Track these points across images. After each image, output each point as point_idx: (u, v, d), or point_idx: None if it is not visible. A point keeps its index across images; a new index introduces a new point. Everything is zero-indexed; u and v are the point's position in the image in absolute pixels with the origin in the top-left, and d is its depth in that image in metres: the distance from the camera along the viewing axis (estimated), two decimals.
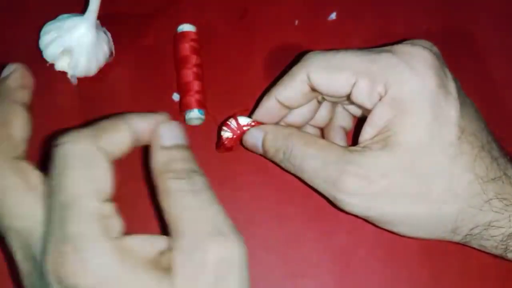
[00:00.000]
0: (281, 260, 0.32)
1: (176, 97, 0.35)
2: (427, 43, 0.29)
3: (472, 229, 0.27)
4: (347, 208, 0.28)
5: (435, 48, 0.29)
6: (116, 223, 0.22)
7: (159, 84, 0.36)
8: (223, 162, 0.34)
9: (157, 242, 0.23)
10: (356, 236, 0.32)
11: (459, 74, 0.29)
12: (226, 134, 0.32)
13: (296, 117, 0.31)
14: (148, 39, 0.37)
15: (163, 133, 0.25)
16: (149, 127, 0.25)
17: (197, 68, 0.35)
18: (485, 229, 0.27)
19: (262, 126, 0.31)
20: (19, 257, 0.23)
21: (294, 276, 0.32)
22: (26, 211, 0.23)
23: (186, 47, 0.35)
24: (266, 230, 0.32)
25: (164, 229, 0.23)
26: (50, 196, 0.22)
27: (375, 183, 0.26)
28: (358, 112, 0.33)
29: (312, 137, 0.29)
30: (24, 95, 0.27)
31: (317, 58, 0.29)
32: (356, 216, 0.29)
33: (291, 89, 0.29)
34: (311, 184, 0.29)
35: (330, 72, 0.28)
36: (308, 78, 0.28)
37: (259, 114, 0.31)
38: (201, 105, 0.34)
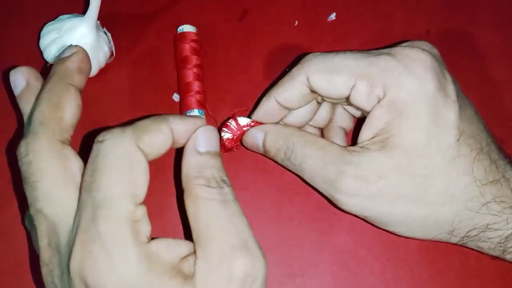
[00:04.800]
0: (281, 260, 0.32)
1: (176, 97, 0.35)
2: (427, 45, 0.29)
3: (469, 231, 0.27)
4: (345, 207, 0.28)
5: (434, 50, 0.29)
6: (146, 227, 0.22)
7: (160, 84, 0.36)
8: (223, 162, 0.34)
9: (180, 247, 0.23)
10: (356, 236, 0.32)
11: (459, 74, 0.30)
12: (226, 135, 0.32)
13: (295, 117, 0.31)
14: (149, 40, 0.37)
15: (200, 137, 0.25)
16: (188, 130, 0.25)
17: (197, 69, 0.35)
18: (482, 231, 0.27)
19: (262, 126, 0.31)
20: (43, 243, 0.23)
21: (294, 276, 0.32)
22: (59, 198, 0.23)
23: (186, 48, 0.35)
24: (266, 230, 0.32)
25: (187, 234, 0.23)
26: (84, 191, 0.22)
27: (372, 184, 0.26)
28: (357, 112, 0.33)
29: (312, 136, 0.29)
30: (81, 80, 0.27)
31: (316, 60, 0.29)
32: (355, 215, 0.29)
33: (291, 90, 0.29)
34: (311, 183, 0.29)
35: (329, 75, 0.28)
36: (308, 80, 0.28)
37: (259, 114, 0.31)
38: (201, 105, 0.34)
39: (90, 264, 0.20)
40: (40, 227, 0.23)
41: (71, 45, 0.28)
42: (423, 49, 0.27)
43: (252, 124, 0.32)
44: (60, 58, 0.27)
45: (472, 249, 0.29)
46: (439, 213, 0.26)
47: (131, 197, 0.22)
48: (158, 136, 0.24)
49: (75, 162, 0.24)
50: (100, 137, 0.23)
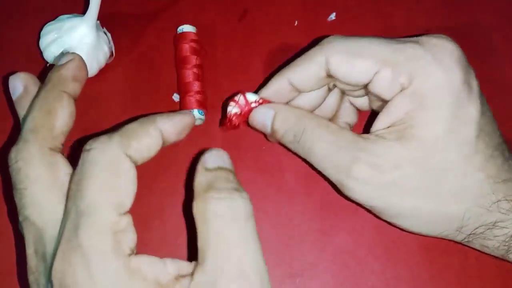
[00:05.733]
0: (281, 260, 0.32)
1: (176, 97, 0.35)
2: (449, 38, 0.28)
3: (476, 228, 0.27)
4: (354, 195, 0.27)
5: (457, 45, 0.28)
6: (130, 238, 0.22)
7: (160, 84, 0.36)
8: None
9: (170, 267, 0.22)
10: (356, 236, 0.32)
11: None
12: (234, 109, 0.30)
13: (304, 101, 0.30)
14: (148, 40, 0.37)
15: (208, 158, 0.24)
16: (176, 128, 0.25)
17: (197, 69, 0.35)
18: (489, 229, 0.26)
19: (272, 104, 0.30)
20: (30, 251, 0.23)
21: (294, 275, 0.32)
22: (47, 206, 0.22)
23: (186, 48, 0.35)
24: (266, 230, 0.32)
25: (192, 253, 0.23)
26: (69, 200, 0.22)
27: (386, 173, 0.26)
28: (365, 105, 0.32)
29: (324, 120, 0.28)
30: (75, 88, 0.26)
31: (339, 42, 0.27)
32: (359, 205, 0.28)
33: (306, 72, 0.28)
34: (319, 169, 0.28)
35: (351, 58, 0.27)
36: (327, 62, 0.27)
37: (268, 92, 0.30)
38: (201, 105, 0.34)
39: (70, 276, 0.20)
40: (27, 235, 0.23)
41: (68, 52, 0.28)
42: (450, 40, 0.27)
43: (260, 101, 0.30)
44: (56, 65, 0.27)
45: (476, 249, 0.29)
46: (449, 209, 0.26)
47: (116, 206, 0.21)
48: (146, 140, 0.23)
49: (65, 170, 0.23)
50: (87, 146, 0.23)
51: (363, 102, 0.32)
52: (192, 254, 0.23)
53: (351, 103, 0.33)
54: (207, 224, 0.22)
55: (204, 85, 0.35)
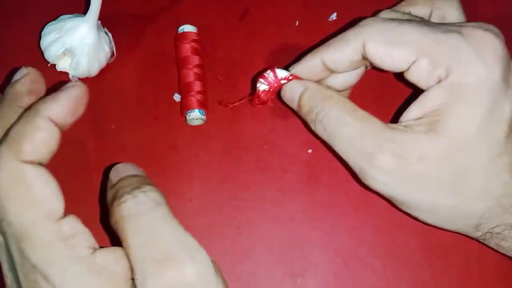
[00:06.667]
0: (282, 260, 0.32)
1: (177, 97, 0.35)
2: (496, 30, 0.26)
3: (494, 227, 0.26)
4: (374, 185, 0.27)
5: (502, 36, 0.27)
6: (83, 238, 0.21)
7: (160, 84, 0.36)
8: (224, 162, 0.34)
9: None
10: (357, 236, 0.32)
11: None
12: (262, 86, 0.30)
13: (336, 81, 0.30)
14: (149, 40, 0.37)
15: (110, 176, 0.24)
16: (68, 108, 0.23)
17: (198, 69, 0.35)
18: (507, 229, 0.26)
19: (303, 81, 0.30)
20: (4, 268, 0.22)
21: (294, 275, 0.32)
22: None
23: (187, 48, 0.35)
24: (266, 230, 0.33)
25: None
26: (0, 231, 0.21)
27: (411, 166, 0.25)
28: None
29: (352, 105, 0.27)
30: (31, 101, 0.25)
31: (377, 26, 0.27)
32: (375, 193, 0.28)
33: (342, 54, 0.28)
34: (341, 154, 0.28)
35: (390, 46, 0.26)
36: (363, 46, 0.27)
37: (299, 70, 0.30)
38: (202, 105, 0.34)
39: None
40: (0, 252, 0.22)
41: (22, 67, 0.26)
42: (495, 34, 0.26)
43: (290, 78, 0.30)
44: (11, 82, 0.26)
45: (491, 247, 0.28)
46: (470, 206, 0.26)
47: (47, 216, 0.20)
48: (38, 135, 0.21)
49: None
50: None
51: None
52: None
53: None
54: (121, 228, 0.21)
55: (205, 85, 0.35)
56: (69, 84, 0.24)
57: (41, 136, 0.21)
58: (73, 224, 0.21)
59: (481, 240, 0.28)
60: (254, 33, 0.37)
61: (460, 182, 0.26)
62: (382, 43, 0.26)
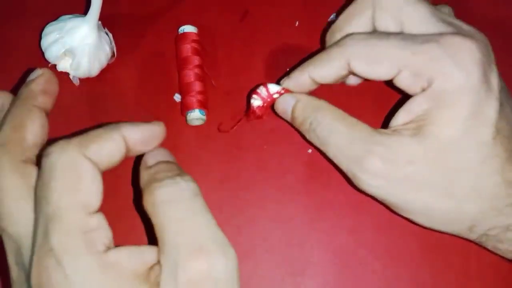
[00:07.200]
0: (282, 259, 0.32)
1: (177, 97, 0.35)
2: (477, 33, 0.27)
3: (489, 229, 0.27)
4: (366, 188, 0.28)
5: (483, 38, 0.27)
6: (103, 235, 0.22)
7: (161, 84, 0.36)
8: (224, 162, 0.34)
9: (143, 255, 0.22)
10: (357, 236, 0.32)
11: None
12: (256, 102, 0.32)
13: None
14: (150, 40, 0.37)
15: (148, 156, 0.25)
16: (144, 136, 0.25)
17: (198, 69, 0.35)
18: (502, 231, 0.26)
19: (294, 94, 0.31)
20: (11, 262, 0.23)
21: (294, 275, 0.32)
22: (20, 216, 0.22)
23: (187, 48, 0.35)
24: (266, 230, 0.33)
25: (154, 241, 0.22)
26: (36, 207, 0.22)
27: (400, 169, 0.26)
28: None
29: (342, 113, 0.29)
30: (46, 101, 0.27)
31: (358, 46, 0.28)
32: (371, 197, 0.29)
33: (327, 71, 0.29)
34: (333, 160, 0.29)
35: (372, 63, 0.28)
36: (348, 64, 0.28)
37: (290, 84, 0.31)
38: (202, 105, 0.34)
39: (46, 279, 0.20)
40: (7, 247, 0.23)
41: (37, 68, 0.28)
42: (473, 38, 0.26)
43: (282, 92, 0.31)
44: (26, 81, 0.27)
45: (488, 249, 0.29)
46: (462, 208, 0.26)
47: (82, 207, 0.21)
48: (107, 144, 0.23)
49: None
50: (45, 151, 0.22)
51: None
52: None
53: None
54: (157, 211, 0.22)
55: (205, 85, 0.35)
56: (157, 122, 0.26)
57: (109, 145, 0.23)
58: (100, 221, 0.22)
59: (478, 243, 0.28)
60: (254, 34, 0.38)
61: (449, 184, 0.26)
62: (364, 62, 0.28)
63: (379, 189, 0.27)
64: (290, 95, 0.31)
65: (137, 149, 0.25)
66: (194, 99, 0.34)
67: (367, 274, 0.32)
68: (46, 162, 0.22)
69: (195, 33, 0.36)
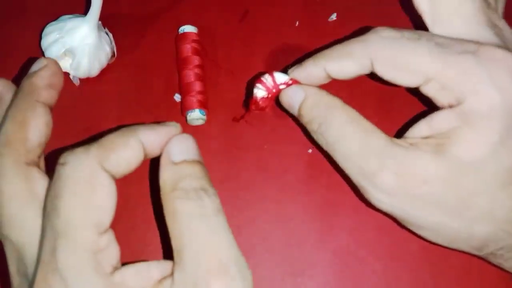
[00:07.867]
0: (282, 260, 0.32)
1: (177, 97, 0.35)
2: None
3: (497, 250, 0.26)
4: (377, 204, 0.26)
5: None
6: (112, 255, 0.21)
7: (161, 84, 0.36)
8: (224, 162, 0.34)
9: (150, 271, 0.21)
10: (357, 236, 0.32)
11: None
12: (260, 92, 0.28)
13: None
14: (150, 40, 0.37)
15: (173, 147, 0.23)
16: (161, 140, 0.23)
17: (199, 69, 0.35)
18: (509, 251, 0.26)
19: (304, 86, 0.28)
20: (12, 270, 0.22)
21: (294, 275, 0.32)
22: (24, 224, 0.21)
23: (187, 48, 0.35)
24: (266, 230, 0.33)
25: (168, 251, 0.22)
26: (45, 218, 0.21)
27: (414, 188, 0.24)
28: None
29: (356, 114, 0.26)
30: (50, 96, 0.24)
31: (384, 44, 0.25)
32: (379, 211, 0.28)
33: (347, 67, 0.27)
34: (341, 166, 0.27)
35: (398, 70, 0.25)
36: (371, 63, 0.26)
37: (300, 75, 0.28)
38: (203, 105, 0.34)
39: None
40: (9, 253, 0.22)
41: (41, 58, 0.26)
42: None
43: (290, 82, 0.28)
44: (29, 73, 0.25)
45: (492, 263, 0.28)
46: (473, 229, 0.25)
47: (94, 225, 0.20)
48: (126, 151, 0.22)
49: (42, 184, 0.22)
50: (61, 159, 0.21)
51: None
52: (166, 249, 0.23)
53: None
54: (178, 223, 0.21)
55: (205, 85, 0.35)
56: (172, 123, 0.24)
57: (128, 153, 0.22)
58: (109, 239, 0.21)
59: (483, 258, 0.28)
60: (254, 34, 0.38)
61: (464, 206, 0.25)
62: (389, 65, 0.25)
63: (390, 206, 0.25)
64: (298, 88, 0.28)
65: (154, 153, 0.23)
66: (194, 99, 0.34)
67: (367, 274, 0.32)
68: (61, 172, 0.21)
69: (195, 33, 0.36)
